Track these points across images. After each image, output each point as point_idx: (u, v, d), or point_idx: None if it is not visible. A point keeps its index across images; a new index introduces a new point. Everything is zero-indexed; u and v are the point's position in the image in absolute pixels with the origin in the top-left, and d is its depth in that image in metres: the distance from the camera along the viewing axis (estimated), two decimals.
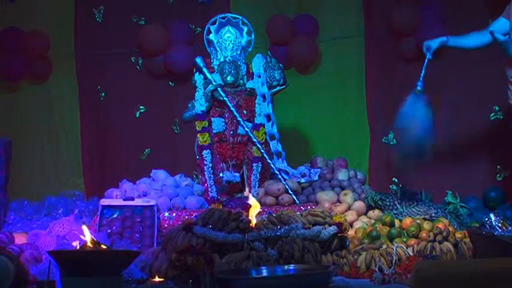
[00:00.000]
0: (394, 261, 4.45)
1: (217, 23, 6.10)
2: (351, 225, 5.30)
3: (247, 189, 5.63)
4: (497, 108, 6.63)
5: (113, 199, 5.48)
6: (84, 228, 4.05)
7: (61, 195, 5.98)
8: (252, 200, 4.82)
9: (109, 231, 5.17)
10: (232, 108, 5.87)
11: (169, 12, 6.98)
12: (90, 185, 6.77)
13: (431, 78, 6.67)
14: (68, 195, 5.97)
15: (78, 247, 3.89)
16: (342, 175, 6.00)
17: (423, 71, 5.56)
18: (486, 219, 4.49)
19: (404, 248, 4.64)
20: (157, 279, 4.29)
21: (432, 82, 6.66)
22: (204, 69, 5.93)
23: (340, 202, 5.63)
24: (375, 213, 5.42)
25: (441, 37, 5.60)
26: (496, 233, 4.35)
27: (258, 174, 5.85)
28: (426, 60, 5.58)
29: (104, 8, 6.96)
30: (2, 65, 6.76)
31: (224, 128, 5.89)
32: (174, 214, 5.45)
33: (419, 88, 5.54)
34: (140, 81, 6.99)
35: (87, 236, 3.90)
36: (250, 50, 6.13)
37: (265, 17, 6.86)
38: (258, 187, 5.81)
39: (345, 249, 4.68)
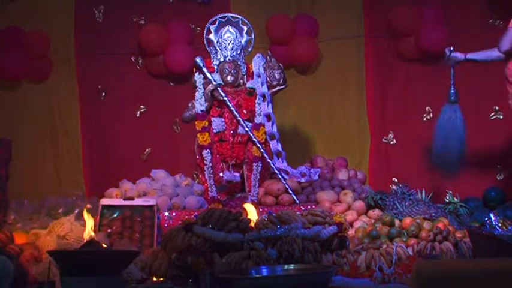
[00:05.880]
0: (394, 260, 4.45)
1: (217, 22, 6.10)
2: (351, 224, 5.30)
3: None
4: (497, 108, 6.64)
5: (112, 199, 5.48)
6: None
7: (61, 195, 5.98)
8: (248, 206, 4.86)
9: (109, 231, 5.16)
10: (232, 108, 5.87)
11: (169, 12, 6.98)
12: (90, 184, 6.77)
13: (432, 78, 6.70)
14: (67, 194, 5.97)
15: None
16: (341, 175, 6.00)
17: (452, 81, 5.69)
18: (486, 219, 4.49)
19: (405, 247, 4.64)
20: (157, 278, 4.30)
21: (432, 82, 6.69)
22: (204, 69, 5.93)
23: (340, 202, 5.63)
24: (375, 212, 5.42)
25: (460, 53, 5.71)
26: (496, 233, 4.35)
27: (258, 174, 5.85)
28: (452, 70, 5.71)
29: (103, 7, 6.95)
30: (2, 64, 6.76)
31: (224, 127, 5.89)
32: (174, 214, 5.45)
33: (452, 98, 5.71)
34: (140, 81, 6.99)
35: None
36: (250, 49, 6.13)
37: (265, 16, 6.86)
38: (258, 187, 5.81)
39: (345, 248, 4.68)
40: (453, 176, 5.86)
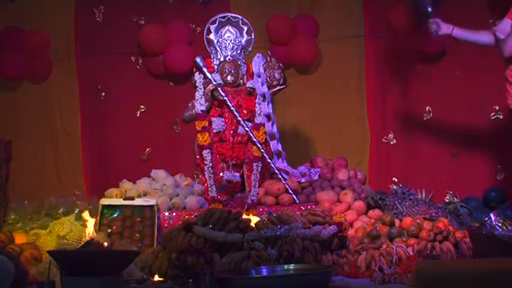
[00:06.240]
0: (394, 260, 4.45)
1: (217, 22, 6.10)
2: (351, 224, 5.30)
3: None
4: (497, 108, 6.64)
5: (112, 199, 5.48)
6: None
7: (61, 195, 5.97)
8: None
9: (109, 231, 5.16)
10: (232, 108, 5.87)
11: (169, 12, 6.98)
12: (90, 184, 6.77)
13: (432, 78, 6.70)
14: (67, 194, 5.97)
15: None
16: (341, 175, 6.00)
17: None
18: (486, 219, 4.49)
19: (405, 247, 4.64)
20: (157, 278, 4.30)
21: (432, 82, 6.69)
22: (204, 69, 5.93)
23: (340, 202, 5.63)
24: (375, 212, 5.42)
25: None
26: (496, 233, 4.35)
27: (258, 174, 5.84)
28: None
29: (104, 7, 6.95)
30: (2, 64, 6.76)
31: (224, 127, 5.89)
32: (174, 214, 5.45)
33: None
34: (140, 81, 6.99)
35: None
36: (250, 49, 6.12)
37: (266, 16, 6.85)
38: (258, 187, 5.81)
39: (345, 248, 4.69)
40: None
